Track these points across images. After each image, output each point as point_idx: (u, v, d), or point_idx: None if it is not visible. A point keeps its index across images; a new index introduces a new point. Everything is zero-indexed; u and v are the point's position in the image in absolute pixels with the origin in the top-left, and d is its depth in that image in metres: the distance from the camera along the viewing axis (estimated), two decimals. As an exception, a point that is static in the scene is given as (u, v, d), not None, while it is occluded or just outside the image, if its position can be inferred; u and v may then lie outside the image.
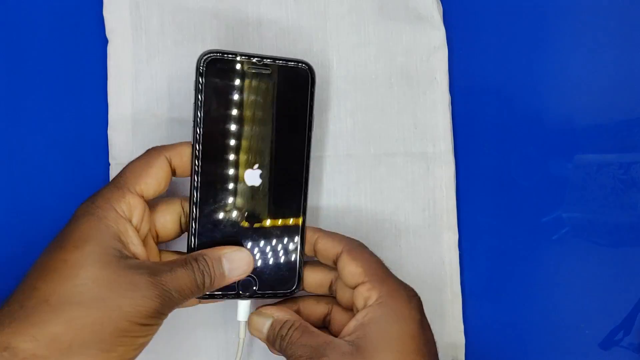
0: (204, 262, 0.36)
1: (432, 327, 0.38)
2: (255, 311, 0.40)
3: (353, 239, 0.40)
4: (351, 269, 0.38)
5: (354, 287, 0.38)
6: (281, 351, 0.38)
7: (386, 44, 0.46)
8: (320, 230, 0.41)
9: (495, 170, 0.48)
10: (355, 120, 0.46)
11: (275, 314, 0.39)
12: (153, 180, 0.37)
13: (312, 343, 0.36)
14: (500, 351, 0.47)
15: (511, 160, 0.48)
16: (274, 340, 0.38)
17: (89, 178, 0.43)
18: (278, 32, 0.45)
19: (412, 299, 0.37)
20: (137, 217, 0.36)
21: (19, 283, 0.34)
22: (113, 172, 0.43)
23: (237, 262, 0.38)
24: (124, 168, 0.38)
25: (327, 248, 0.40)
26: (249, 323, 0.40)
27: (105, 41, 0.43)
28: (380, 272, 0.38)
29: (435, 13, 0.46)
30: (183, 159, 0.38)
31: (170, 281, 0.34)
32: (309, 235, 0.41)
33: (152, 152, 0.38)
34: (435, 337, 0.38)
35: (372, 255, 0.40)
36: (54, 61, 0.43)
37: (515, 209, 0.48)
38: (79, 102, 0.44)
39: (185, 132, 0.43)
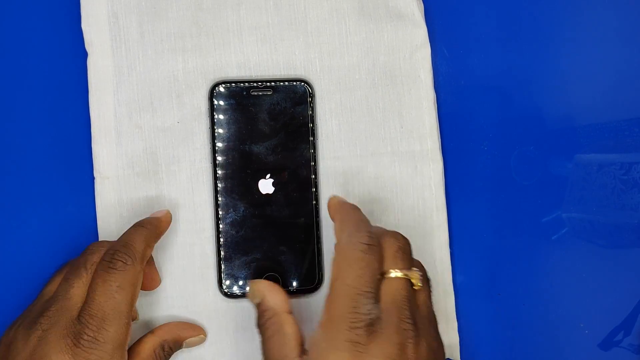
0: None
1: None
2: (254, 280, 0.40)
3: (336, 252, 0.37)
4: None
5: None
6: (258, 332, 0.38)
7: (368, 43, 0.45)
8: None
9: (492, 169, 0.47)
10: (340, 122, 0.45)
11: (266, 296, 0.38)
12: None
13: (275, 350, 0.36)
14: (500, 351, 0.47)
15: (510, 159, 0.47)
16: (257, 318, 0.38)
17: (74, 194, 0.44)
18: (259, 37, 0.45)
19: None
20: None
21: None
22: (98, 186, 0.43)
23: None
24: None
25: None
26: (249, 288, 0.40)
27: (85, 54, 0.44)
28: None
29: (416, 11, 0.45)
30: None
31: None
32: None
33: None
34: None
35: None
36: (33, 77, 0.44)
37: (514, 208, 0.47)
38: (60, 117, 0.44)
39: (169, 141, 0.44)
